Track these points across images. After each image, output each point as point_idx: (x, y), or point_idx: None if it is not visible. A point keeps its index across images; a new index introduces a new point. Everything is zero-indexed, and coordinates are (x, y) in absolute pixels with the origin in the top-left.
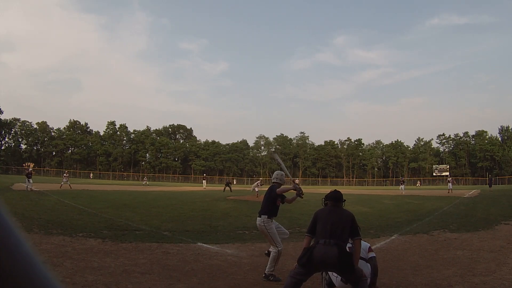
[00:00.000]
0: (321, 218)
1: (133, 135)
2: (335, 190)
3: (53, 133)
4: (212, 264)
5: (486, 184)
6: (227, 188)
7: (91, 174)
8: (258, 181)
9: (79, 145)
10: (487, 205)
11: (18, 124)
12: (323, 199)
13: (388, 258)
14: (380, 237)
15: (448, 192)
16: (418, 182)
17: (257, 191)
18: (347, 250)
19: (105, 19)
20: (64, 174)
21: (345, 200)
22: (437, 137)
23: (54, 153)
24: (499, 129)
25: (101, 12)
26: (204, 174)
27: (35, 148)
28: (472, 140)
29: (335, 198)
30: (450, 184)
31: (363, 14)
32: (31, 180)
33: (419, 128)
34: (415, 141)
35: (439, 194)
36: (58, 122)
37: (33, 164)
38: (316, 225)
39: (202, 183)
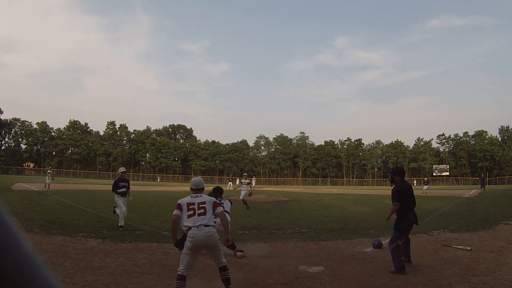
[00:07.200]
0: (404, 192)
1: (133, 135)
2: (397, 167)
3: (53, 133)
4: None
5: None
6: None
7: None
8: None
9: (79, 145)
10: (487, 205)
11: (18, 124)
12: (390, 174)
13: (388, 258)
14: (380, 237)
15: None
16: (415, 181)
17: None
18: None
19: (108, 20)
20: (48, 171)
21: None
22: (437, 137)
23: (54, 153)
24: (499, 129)
25: (104, 13)
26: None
27: (35, 148)
28: (472, 140)
29: (402, 173)
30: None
31: (363, 15)
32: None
33: (419, 128)
34: (415, 141)
35: (440, 194)
36: (58, 122)
37: (33, 164)
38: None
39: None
